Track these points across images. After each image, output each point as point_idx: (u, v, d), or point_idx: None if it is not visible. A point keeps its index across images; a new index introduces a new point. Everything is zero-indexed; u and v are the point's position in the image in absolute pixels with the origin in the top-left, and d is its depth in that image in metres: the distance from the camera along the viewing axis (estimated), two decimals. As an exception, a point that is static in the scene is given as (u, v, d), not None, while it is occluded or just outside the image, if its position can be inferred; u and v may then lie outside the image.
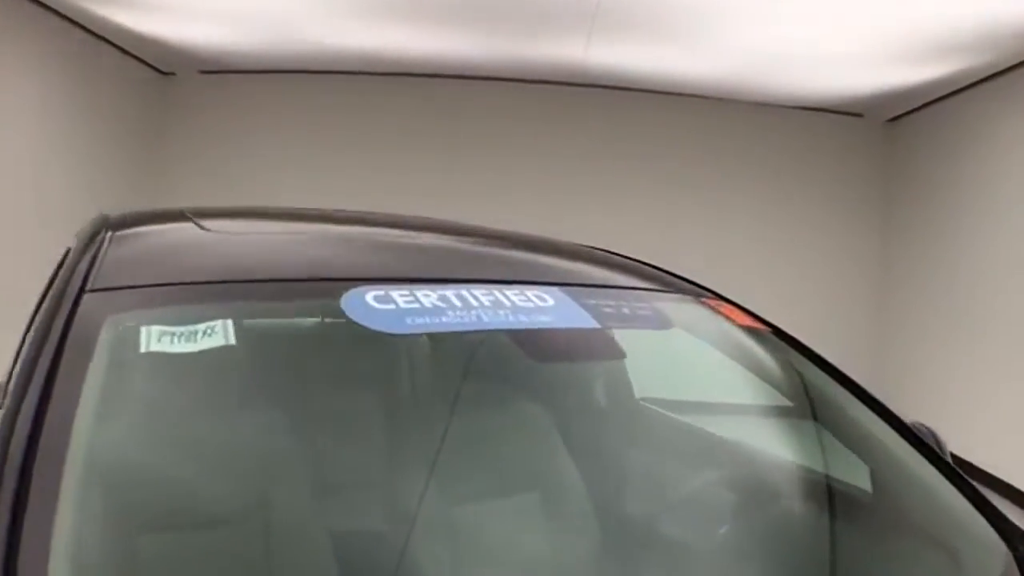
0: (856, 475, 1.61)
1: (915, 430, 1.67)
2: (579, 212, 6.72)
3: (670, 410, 2.24)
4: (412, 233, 2.03)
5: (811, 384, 1.68)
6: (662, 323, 1.60)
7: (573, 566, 1.44)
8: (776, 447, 1.74)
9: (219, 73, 7.05)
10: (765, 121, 7.09)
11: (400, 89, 7.01)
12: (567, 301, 1.45)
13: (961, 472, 1.57)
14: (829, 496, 1.66)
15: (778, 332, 1.73)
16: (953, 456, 1.73)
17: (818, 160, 7.20)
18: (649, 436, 2.01)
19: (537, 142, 7.11)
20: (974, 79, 5.72)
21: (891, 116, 7.05)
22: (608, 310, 1.50)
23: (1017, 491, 5.00)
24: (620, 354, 1.60)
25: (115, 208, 1.88)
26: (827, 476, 1.66)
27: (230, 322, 1.25)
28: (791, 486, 1.70)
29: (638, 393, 2.09)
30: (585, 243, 2.18)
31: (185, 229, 1.63)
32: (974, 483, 1.54)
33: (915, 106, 6.64)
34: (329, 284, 1.38)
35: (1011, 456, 5.09)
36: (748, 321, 1.73)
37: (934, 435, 1.73)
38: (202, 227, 1.62)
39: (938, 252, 6.30)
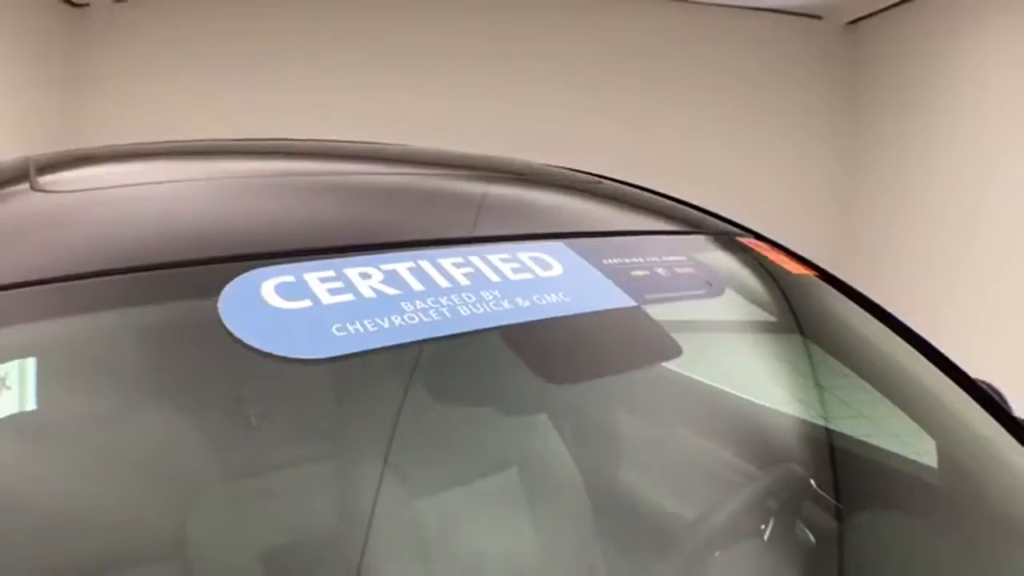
0: (919, 448, 1.36)
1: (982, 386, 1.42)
2: (537, 123, 6.40)
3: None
4: (339, 167, 1.41)
5: (864, 339, 1.41)
6: (713, 286, 1.15)
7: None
8: (822, 413, 1.45)
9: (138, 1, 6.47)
10: (718, 23, 6.78)
11: (352, 6, 6.51)
12: (581, 265, 1.00)
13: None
14: (883, 472, 1.41)
15: (825, 276, 1.44)
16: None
17: (776, 63, 6.93)
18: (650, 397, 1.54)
19: (491, 50, 6.67)
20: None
21: (851, 19, 6.80)
22: (640, 273, 1.03)
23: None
24: (675, 352, 1.08)
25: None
26: (882, 449, 1.41)
27: (31, 363, 0.76)
28: (838, 460, 1.42)
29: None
30: (548, 161, 1.73)
31: (12, 194, 1.06)
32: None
33: (876, 8, 6.42)
34: (199, 272, 0.84)
35: (980, 360, 5.04)
36: (796, 267, 1.38)
37: (1000, 395, 1.49)
38: (37, 187, 1.05)
39: (902, 158, 6.22)
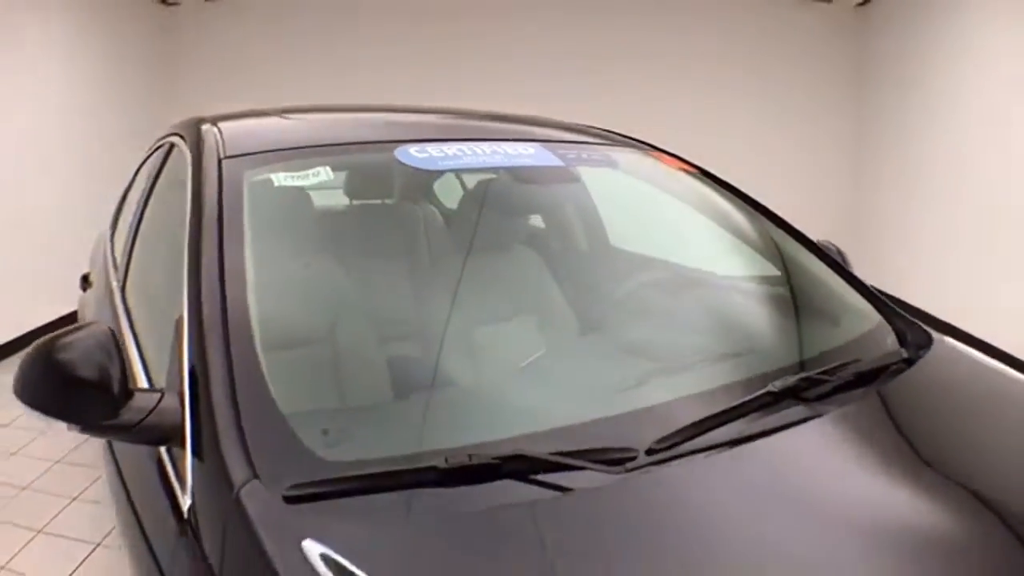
0: (786, 290, 2.14)
1: (822, 246, 2.19)
2: (570, 92, 7.10)
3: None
4: (436, 114, 2.68)
5: (733, 210, 2.21)
6: (610, 164, 2.25)
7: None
8: (709, 259, 2.29)
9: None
10: (739, 8, 7.42)
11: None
12: (543, 151, 2.10)
13: (855, 274, 2.10)
14: (756, 290, 2.19)
15: (704, 172, 2.26)
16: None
17: (792, 45, 7.53)
18: (615, 265, 2.61)
19: (526, 32, 7.49)
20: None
21: (860, 0, 7.31)
22: (571, 155, 2.21)
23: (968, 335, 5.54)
24: (577, 179, 2.36)
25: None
26: (756, 277, 2.19)
27: (329, 167, 1.88)
28: (729, 284, 2.23)
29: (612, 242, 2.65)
30: (574, 118, 2.75)
31: (273, 119, 2.29)
32: (864, 281, 2.06)
33: None
34: (387, 144, 2.01)
35: (981, 311, 5.58)
36: (679, 164, 2.30)
37: (839, 251, 2.26)
38: (285, 117, 2.30)
39: (908, 128, 6.67)
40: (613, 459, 1.16)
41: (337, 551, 0.96)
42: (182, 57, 7.59)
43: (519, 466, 1.12)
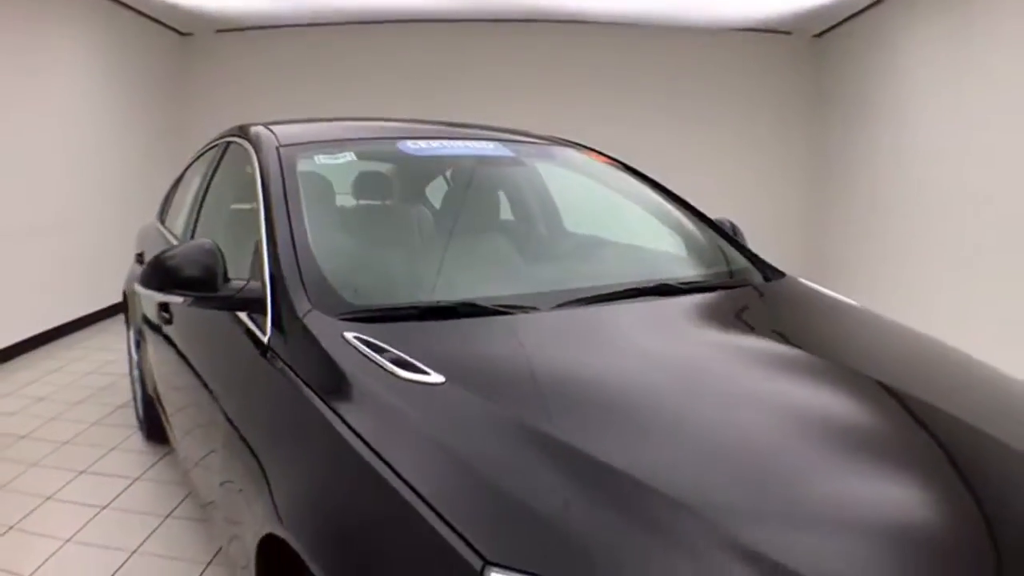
0: (677, 246, 2.80)
1: (718, 221, 2.85)
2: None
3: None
4: (427, 124, 3.33)
5: (647, 192, 2.88)
6: (549, 156, 3.04)
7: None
8: (625, 226, 3.00)
9: (234, 31, 8.10)
10: (706, 44, 8.03)
11: (396, 35, 8.00)
12: (500, 146, 2.85)
13: (740, 241, 2.75)
14: (659, 245, 2.83)
15: (625, 166, 2.96)
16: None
17: (753, 76, 8.16)
18: (560, 231, 3.24)
19: (507, 73, 8.10)
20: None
21: (817, 32, 7.90)
22: (521, 148, 3.01)
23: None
24: (524, 163, 3.13)
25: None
26: (661, 239, 2.84)
27: (353, 153, 2.69)
28: (638, 244, 2.90)
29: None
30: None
31: (311, 123, 3.03)
32: (743, 244, 2.72)
33: (837, 21, 7.45)
34: (393, 139, 2.83)
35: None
36: (605, 159, 3.01)
37: (733, 225, 2.91)
38: (317, 123, 3.07)
39: (860, 151, 7.22)
40: (527, 309, 1.92)
41: (367, 336, 1.67)
42: (195, 81, 8.31)
43: (472, 310, 1.88)
